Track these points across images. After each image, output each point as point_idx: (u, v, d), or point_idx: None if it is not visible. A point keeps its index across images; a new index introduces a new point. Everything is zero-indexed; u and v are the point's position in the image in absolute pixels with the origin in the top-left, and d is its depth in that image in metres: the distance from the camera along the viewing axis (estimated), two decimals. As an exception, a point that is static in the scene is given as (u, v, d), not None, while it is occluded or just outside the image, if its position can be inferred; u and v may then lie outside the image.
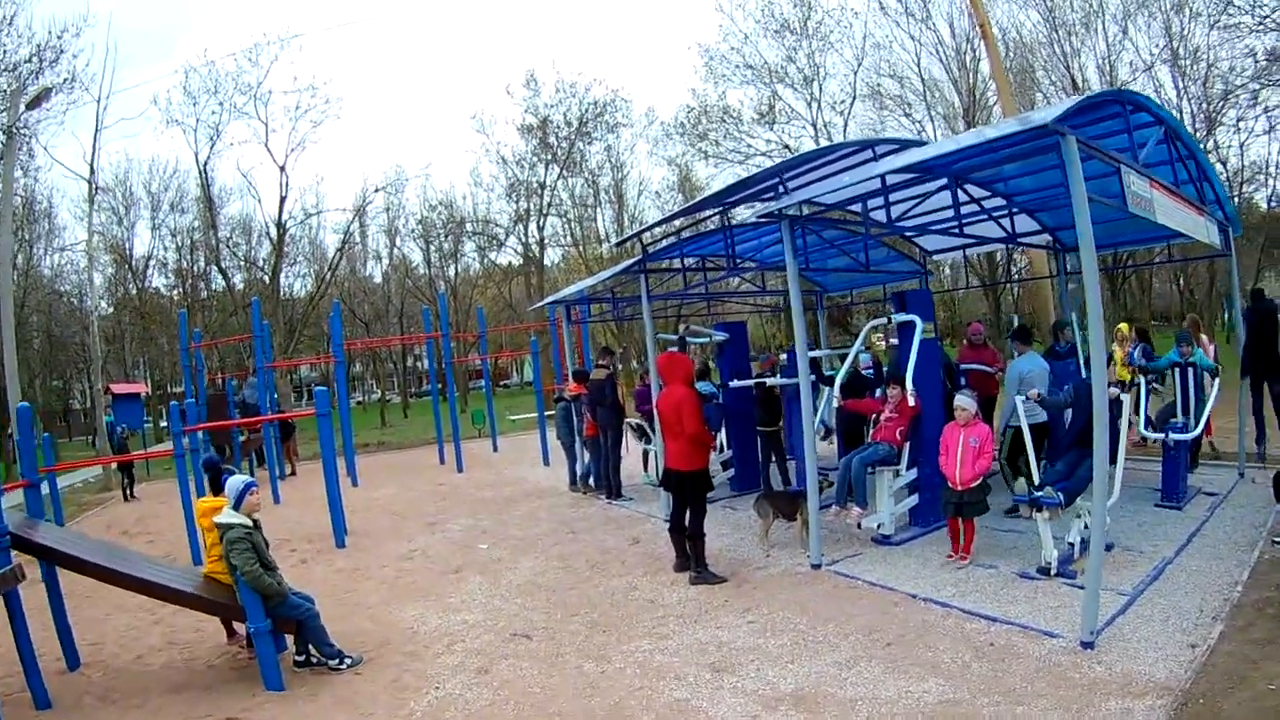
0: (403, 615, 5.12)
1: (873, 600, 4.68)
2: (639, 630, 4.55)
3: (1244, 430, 7.19)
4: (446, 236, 31.83)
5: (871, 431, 6.23)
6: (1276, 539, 5.01)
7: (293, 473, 13.41)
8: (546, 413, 12.35)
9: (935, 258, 10.47)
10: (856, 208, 5.92)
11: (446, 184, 61.57)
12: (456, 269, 34.42)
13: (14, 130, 14.99)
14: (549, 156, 26.50)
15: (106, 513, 11.49)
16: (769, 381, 7.60)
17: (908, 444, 5.91)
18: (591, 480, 8.99)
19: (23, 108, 15.31)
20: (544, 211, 27.52)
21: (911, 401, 5.64)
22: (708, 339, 8.27)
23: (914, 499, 6.05)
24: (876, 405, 6.23)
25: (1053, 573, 4.63)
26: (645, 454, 8.88)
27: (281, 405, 17.25)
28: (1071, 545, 4.76)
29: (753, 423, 7.95)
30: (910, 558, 5.43)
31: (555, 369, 13.50)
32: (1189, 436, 6.03)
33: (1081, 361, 7.02)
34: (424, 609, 5.22)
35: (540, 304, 13.63)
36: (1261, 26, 14.87)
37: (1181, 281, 25.58)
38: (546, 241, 28.46)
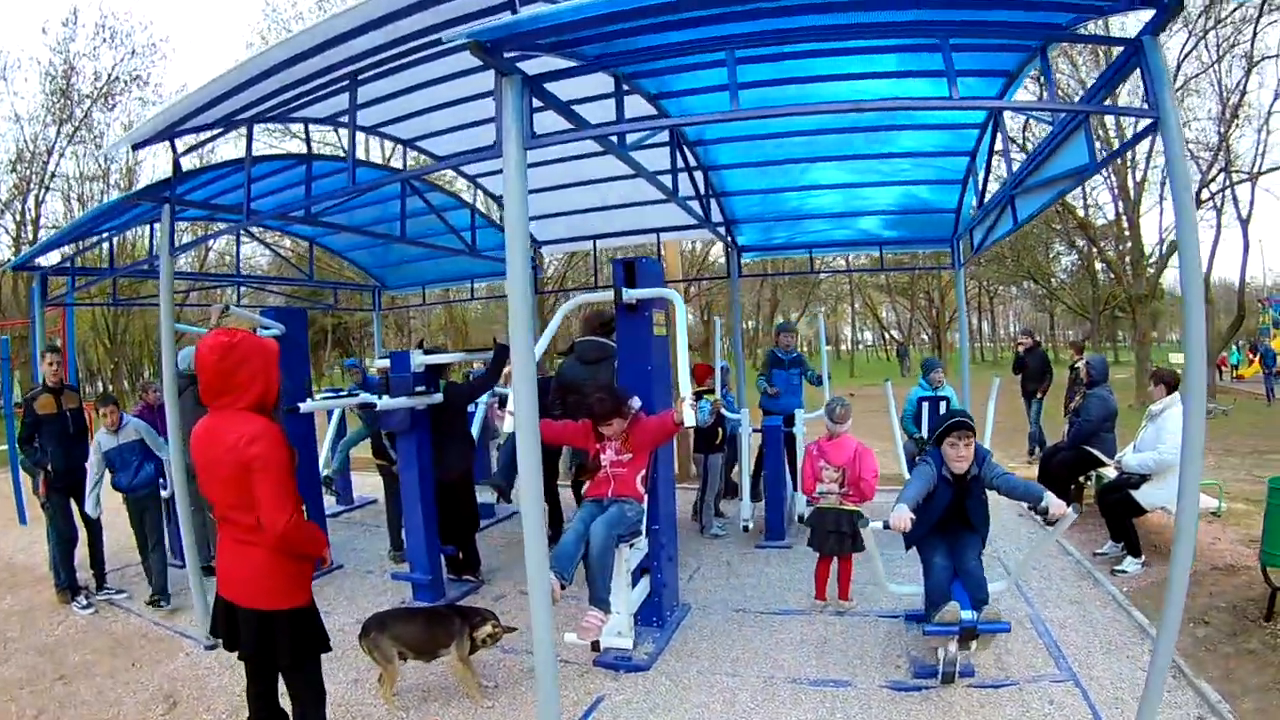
0: None
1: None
2: None
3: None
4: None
5: (587, 486, 3.84)
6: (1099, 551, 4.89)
7: None
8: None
9: (546, 250, 8.51)
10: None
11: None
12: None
13: None
14: (65, 116, 21.00)
15: None
16: (381, 403, 4.54)
17: (647, 499, 3.75)
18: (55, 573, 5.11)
19: None
20: (45, 184, 21.47)
21: (691, 421, 3.34)
22: (255, 329, 5.25)
23: (645, 585, 3.93)
24: (582, 435, 3.73)
25: (956, 677, 3.48)
26: None
27: None
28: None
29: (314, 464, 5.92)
30: (693, 690, 3.34)
31: (36, 384, 8.07)
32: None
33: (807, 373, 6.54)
34: None
35: (8, 266, 10.18)
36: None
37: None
38: (43, 225, 21.62)
